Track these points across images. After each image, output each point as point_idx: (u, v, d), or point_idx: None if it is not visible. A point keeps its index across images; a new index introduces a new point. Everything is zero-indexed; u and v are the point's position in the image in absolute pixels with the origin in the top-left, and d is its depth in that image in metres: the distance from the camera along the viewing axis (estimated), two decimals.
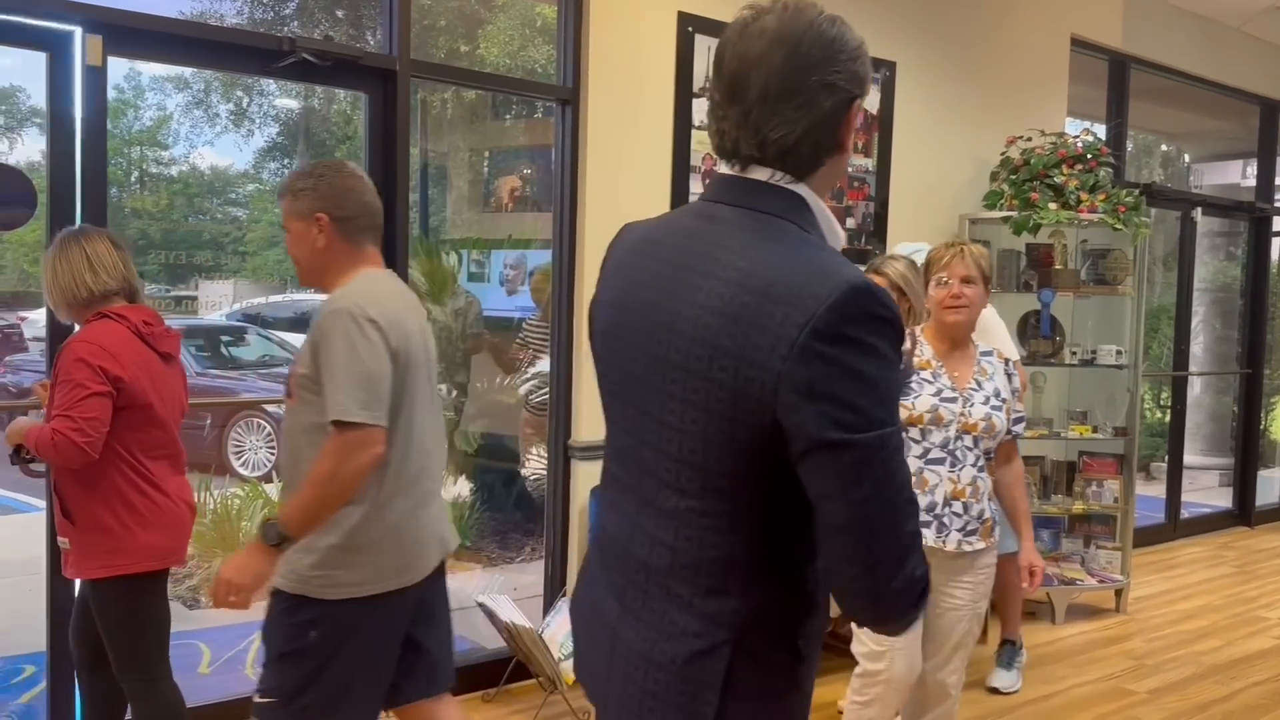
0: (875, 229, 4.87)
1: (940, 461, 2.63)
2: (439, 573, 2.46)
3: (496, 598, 3.72)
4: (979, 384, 2.70)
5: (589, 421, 3.95)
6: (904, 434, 2.36)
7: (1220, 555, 6.49)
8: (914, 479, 2.59)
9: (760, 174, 1.26)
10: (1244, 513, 7.31)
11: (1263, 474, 7.63)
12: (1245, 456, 7.33)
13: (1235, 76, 6.80)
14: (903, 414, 2.55)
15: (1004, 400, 2.70)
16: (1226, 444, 7.77)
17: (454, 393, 5.63)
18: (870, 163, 4.85)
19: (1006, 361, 2.78)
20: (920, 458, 2.63)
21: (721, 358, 1.19)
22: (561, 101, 3.90)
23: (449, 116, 6.55)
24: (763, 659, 1.27)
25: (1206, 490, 7.94)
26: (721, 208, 1.28)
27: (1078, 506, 5.08)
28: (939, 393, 2.66)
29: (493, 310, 5.65)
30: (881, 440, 1.14)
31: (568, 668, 3.52)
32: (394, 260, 3.51)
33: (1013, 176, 4.96)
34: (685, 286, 1.24)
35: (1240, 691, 4.10)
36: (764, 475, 1.22)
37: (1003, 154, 5.09)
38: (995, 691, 3.99)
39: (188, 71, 7.44)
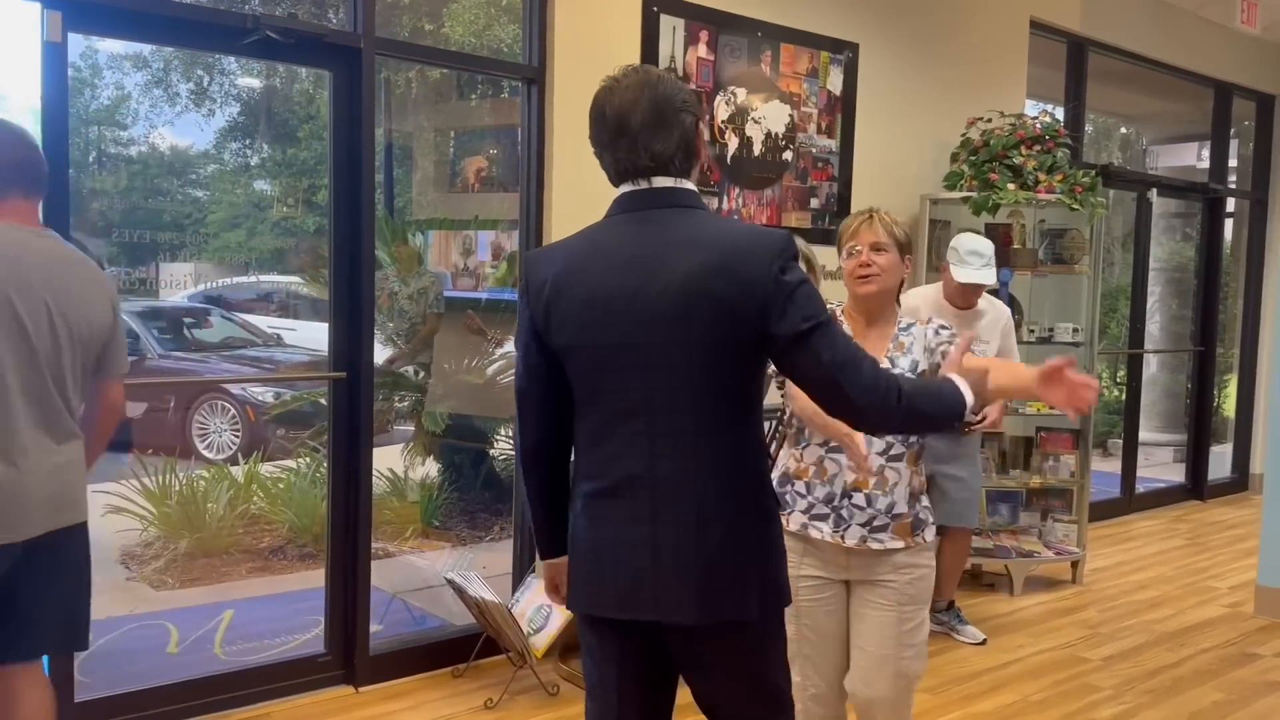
0: (838, 209, 4.93)
1: (841, 450, 2.36)
2: (61, 541, 2.40)
3: (466, 574, 3.76)
4: (893, 362, 2.43)
5: None
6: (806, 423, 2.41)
7: (1173, 528, 6.66)
8: (814, 468, 2.40)
9: (665, 182, 1.79)
10: (1197, 487, 7.50)
11: (1215, 449, 7.82)
12: (1198, 432, 7.51)
13: (1191, 60, 6.92)
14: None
15: (923, 371, 2.42)
16: (1181, 420, 7.94)
17: (420, 373, 5.64)
18: (834, 144, 4.90)
19: (940, 330, 2.47)
20: (821, 445, 2.39)
21: (716, 300, 1.70)
22: (527, 81, 3.92)
23: (414, 96, 6.52)
24: (761, 508, 1.83)
25: (1162, 466, 8.13)
26: (651, 211, 1.78)
27: (1035, 481, 5.19)
28: None
29: (456, 291, 5.66)
30: (826, 319, 1.73)
31: (537, 641, 3.58)
32: (359, 239, 3.52)
33: (972, 157, 5.04)
34: (665, 263, 1.72)
35: (1190, 658, 4.23)
36: (750, 382, 1.79)
37: (963, 135, 5.17)
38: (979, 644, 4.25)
39: (146, 49, 7.33)
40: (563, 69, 3.91)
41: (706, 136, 1.86)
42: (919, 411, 1.77)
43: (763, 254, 1.71)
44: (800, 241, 3.53)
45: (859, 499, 2.36)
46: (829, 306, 1.88)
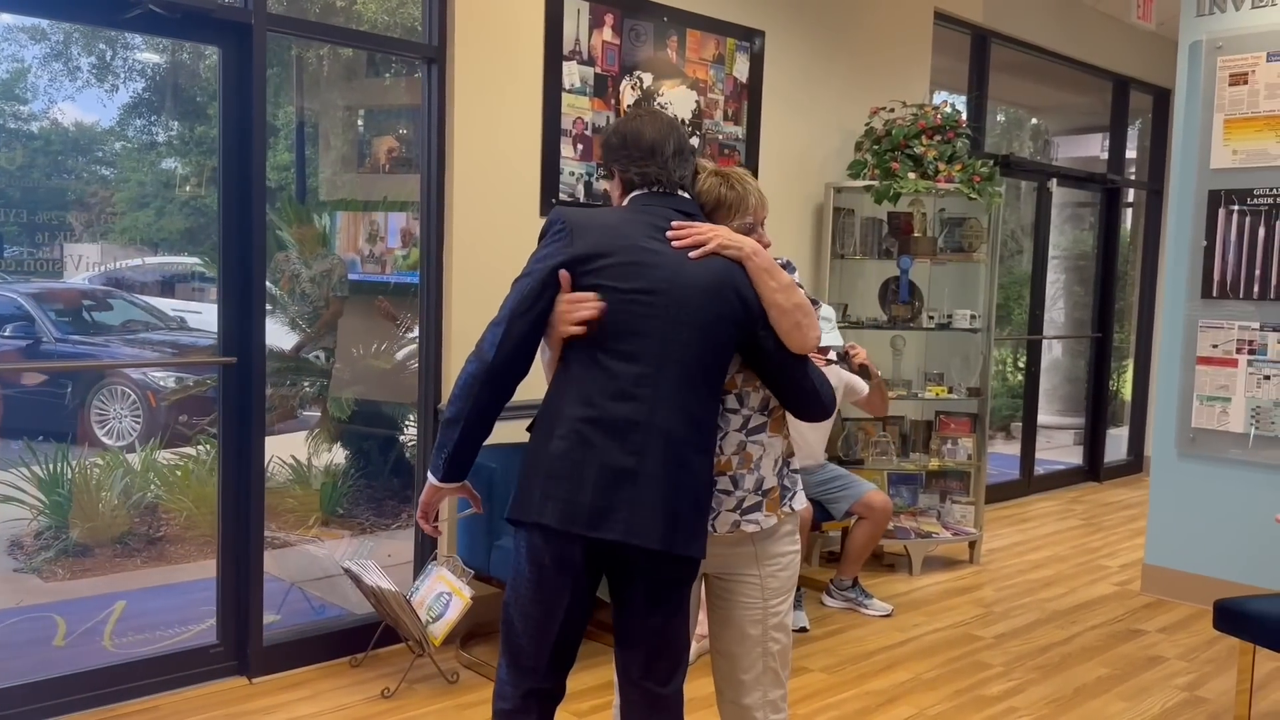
0: None
1: None
2: None
3: (363, 562, 3.72)
4: None
5: None
6: None
7: (1070, 509, 6.88)
8: None
9: (683, 195, 2.23)
10: (1093, 469, 7.75)
11: (1112, 432, 8.09)
12: (1095, 416, 7.76)
13: (1090, 53, 7.11)
14: None
15: None
16: (1082, 404, 8.20)
17: (325, 358, 5.54)
18: (740, 130, 4.93)
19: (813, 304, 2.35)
20: None
21: (734, 289, 2.09)
22: (427, 60, 3.86)
23: (326, 74, 6.38)
24: (712, 477, 2.18)
25: (1062, 449, 8.39)
26: (671, 211, 2.17)
27: (934, 463, 5.32)
28: None
29: (363, 275, 5.57)
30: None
31: (435, 630, 3.55)
32: (250, 219, 3.44)
33: (875, 146, 5.11)
34: (691, 265, 2.09)
35: (1079, 635, 4.38)
36: (728, 362, 2.15)
37: (867, 124, 5.24)
38: (804, 630, 4.23)
39: (45, 21, 7.06)
40: (464, 49, 3.86)
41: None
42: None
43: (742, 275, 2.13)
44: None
45: (723, 484, 2.19)
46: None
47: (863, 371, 3.91)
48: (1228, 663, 4.01)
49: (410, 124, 5.93)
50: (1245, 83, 4.65)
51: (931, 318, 5.21)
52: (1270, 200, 4.60)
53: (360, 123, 6.44)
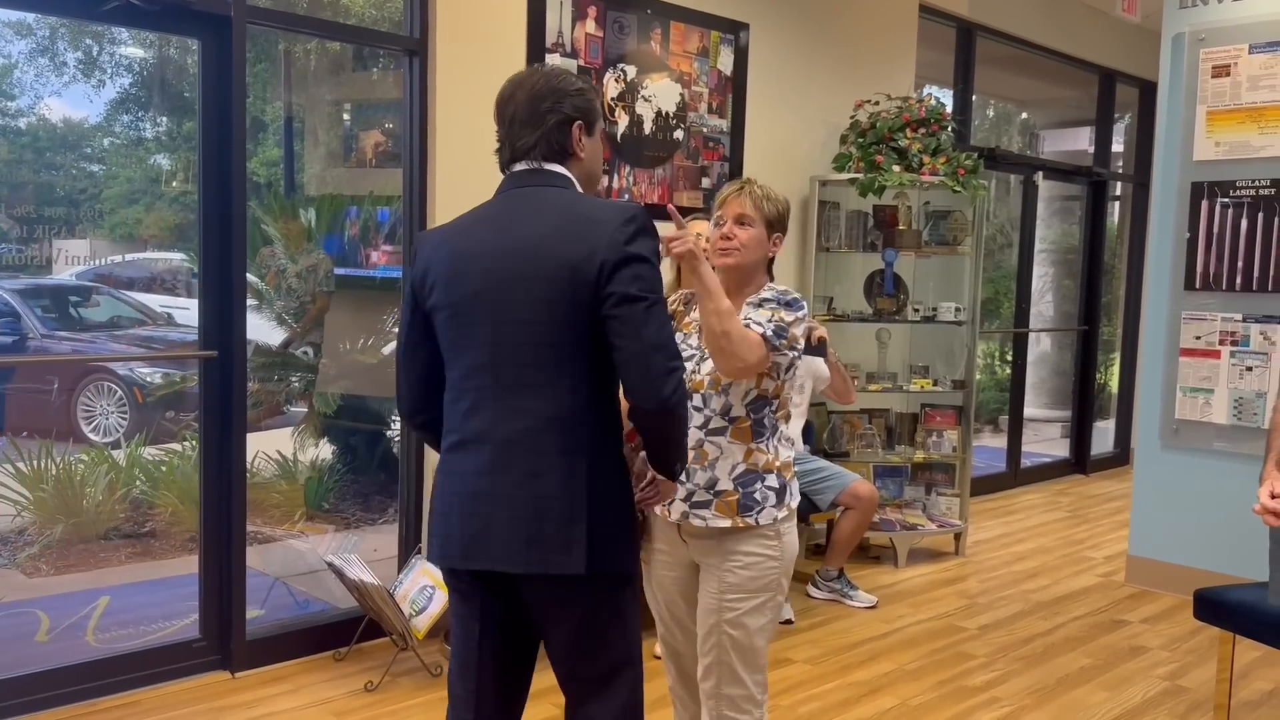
0: None
1: None
2: None
3: (346, 556, 3.71)
4: None
5: None
6: None
7: (1055, 501, 6.90)
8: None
9: (534, 164, 1.93)
10: (1080, 461, 7.78)
11: (1099, 425, 8.12)
12: (1081, 409, 7.78)
13: (1075, 46, 7.13)
14: None
15: None
16: (1070, 398, 8.22)
17: (309, 353, 5.53)
18: (725, 124, 4.93)
19: (779, 300, 2.31)
20: None
21: (561, 260, 1.81)
22: (409, 53, 3.85)
23: (312, 68, 6.36)
24: (604, 466, 1.88)
25: (1050, 441, 8.41)
26: (525, 189, 1.92)
27: (919, 456, 5.33)
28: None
29: (348, 270, 5.56)
30: (659, 299, 1.82)
31: (419, 623, 3.55)
32: (230, 212, 3.43)
33: (860, 139, 5.11)
34: (521, 226, 1.86)
35: (1062, 626, 4.40)
36: (593, 340, 1.83)
37: (851, 117, 5.24)
38: (789, 623, 4.25)
39: (30, 16, 7.03)
40: (445, 41, 3.86)
41: (581, 133, 1.94)
42: (676, 428, 1.88)
43: (610, 221, 1.82)
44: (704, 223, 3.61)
45: None
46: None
47: (820, 347, 4.01)
48: (1209, 652, 4.03)
49: (397, 118, 5.92)
50: (1227, 75, 4.67)
51: (916, 311, 5.22)
52: (1252, 192, 4.61)
53: (347, 117, 6.43)
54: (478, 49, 3.95)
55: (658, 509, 2.34)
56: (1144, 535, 5.01)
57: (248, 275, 5.20)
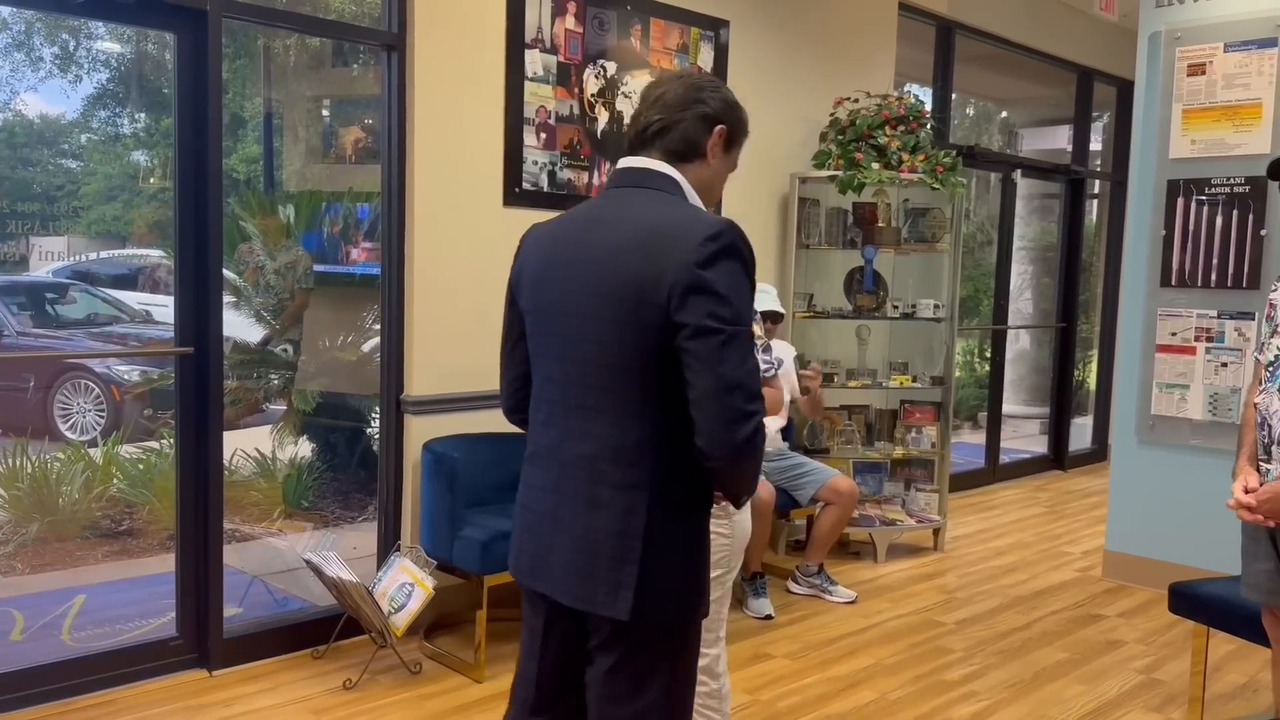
0: None
1: None
2: None
3: (325, 554, 3.70)
4: None
5: (421, 375, 3.94)
6: None
7: (1034, 496, 6.95)
8: None
9: (644, 162, 1.80)
10: (1058, 457, 7.83)
11: (1078, 421, 8.18)
12: (1059, 405, 7.83)
13: (1054, 45, 7.17)
14: None
15: None
16: (1048, 394, 8.28)
17: (288, 350, 5.51)
18: None
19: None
20: None
21: (631, 278, 1.66)
22: (388, 48, 3.83)
23: (292, 64, 6.33)
24: (669, 505, 1.71)
25: (1028, 437, 8.46)
26: (624, 190, 1.79)
27: (899, 452, 5.35)
28: None
29: (328, 267, 5.53)
30: (739, 331, 1.62)
31: (398, 620, 3.54)
32: (206, 208, 3.41)
33: (840, 137, 5.13)
34: (604, 234, 1.72)
35: (1039, 620, 4.43)
36: (663, 369, 1.66)
37: (831, 115, 5.26)
38: (769, 618, 4.28)
39: (6, 10, 6.95)
40: (424, 36, 3.84)
41: (720, 139, 1.81)
42: (748, 468, 1.69)
43: (687, 238, 1.64)
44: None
45: None
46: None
47: (807, 391, 4.45)
48: (1184, 646, 4.07)
49: (377, 114, 5.89)
50: (1203, 73, 4.71)
51: (896, 307, 5.24)
52: (1227, 190, 4.65)
53: (326, 113, 6.39)
54: (456, 44, 3.94)
55: None
56: (1120, 530, 5.05)
57: (227, 272, 5.18)
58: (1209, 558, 4.59)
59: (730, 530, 2.36)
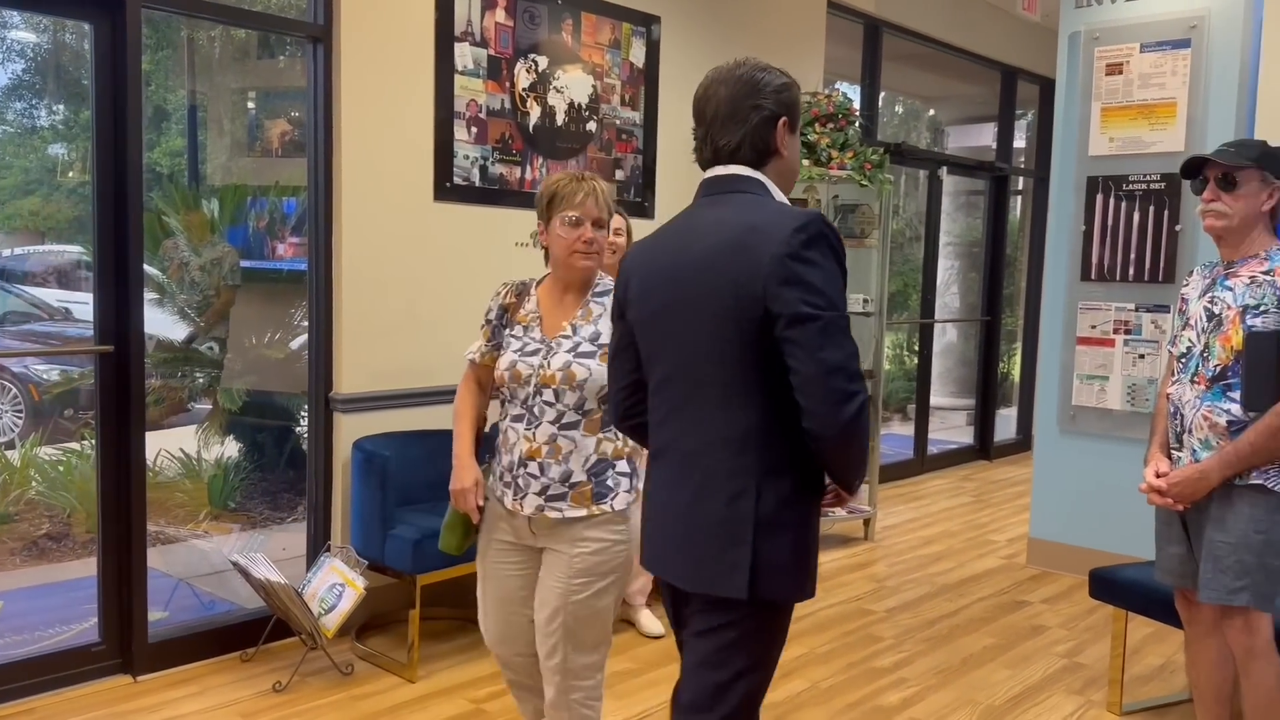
0: (645, 181, 4.99)
1: (519, 419, 2.38)
2: None
3: (252, 555, 3.63)
4: (574, 330, 2.40)
5: (351, 373, 3.89)
6: (503, 395, 2.40)
7: (961, 486, 7.10)
8: (503, 437, 2.42)
9: (729, 170, 1.87)
10: (984, 448, 8.01)
11: (1002, 412, 8.37)
12: (985, 397, 8.01)
13: (978, 44, 7.32)
14: (495, 376, 2.45)
15: (604, 344, 2.35)
16: (974, 386, 8.46)
17: (214, 348, 5.39)
18: (638, 116, 4.94)
19: None
20: (508, 416, 2.42)
21: (725, 276, 1.75)
22: (313, 39, 3.77)
23: (217, 56, 6.19)
24: (777, 491, 1.78)
25: (955, 429, 8.64)
26: (717, 196, 1.87)
27: None
28: (522, 348, 2.42)
29: (254, 263, 5.43)
30: (835, 317, 1.69)
31: (328, 621, 3.49)
32: (129, 204, 3.32)
33: None
34: (700, 240, 1.82)
35: (966, 607, 4.53)
36: (766, 360, 1.74)
37: None
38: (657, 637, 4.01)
39: None
40: (351, 29, 3.79)
41: (785, 129, 1.87)
42: (856, 449, 1.74)
43: (777, 233, 1.72)
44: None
45: (532, 468, 2.34)
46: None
47: None
48: (1105, 629, 4.19)
49: (304, 106, 5.79)
50: (1121, 72, 4.84)
51: None
52: (1144, 186, 4.80)
53: (252, 106, 6.27)
54: (384, 37, 3.89)
55: (508, 503, 2.39)
56: (1044, 518, 5.18)
57: (150, 269, 5.06)
58: (1128, 544, 4.73)
59: (627, 535, 2.39)
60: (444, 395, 3.82)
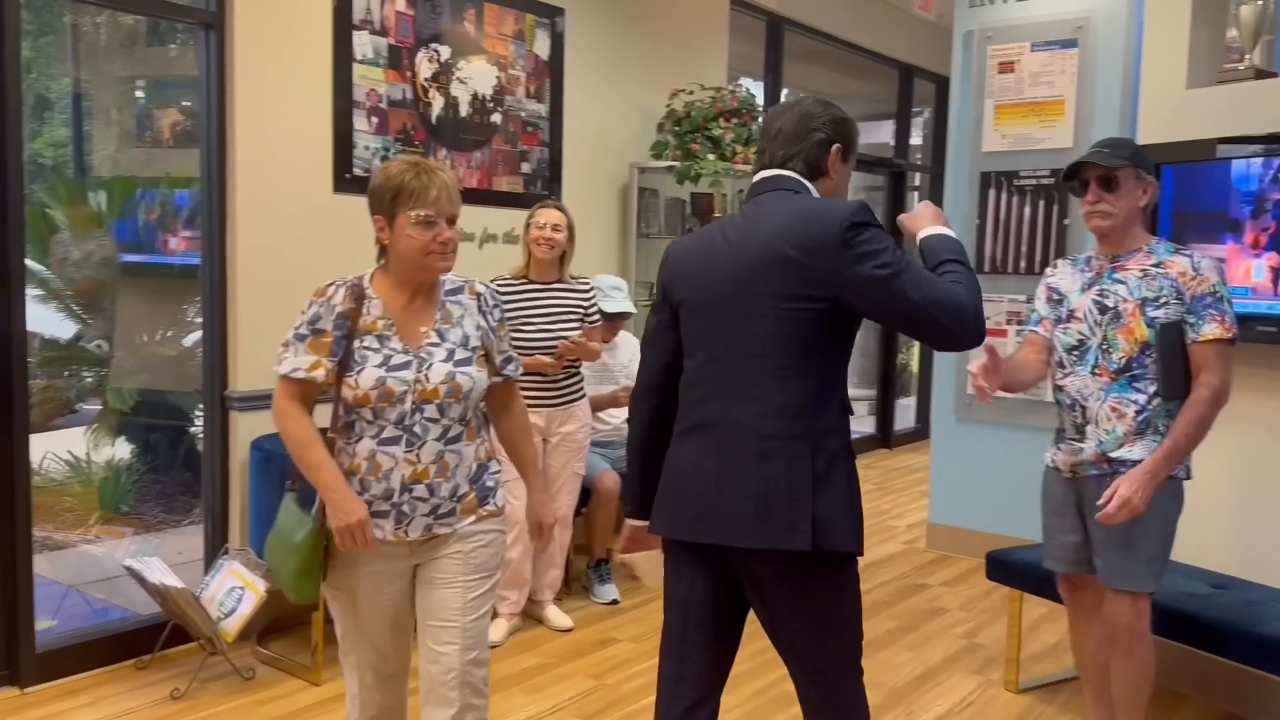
0: (551, 174, 4.96)
1: (395, 441, 2.16)
2: None
3: (146, 560, 3.51)
4: (441, 336, 2.23)
5: (248, 370, 3.78)
6: (355, 415, 2.19)
7: (863, 474, 7.15)
8: (367, 463, 2.17)
9: (778, 171, 2.08)
10: (885, 436, 8.20)
11: (901, 402, 8.58)
12: (885, 387, 8.20)
13: (877, 42, 7.47)
14: (348, 394, 2.17)
15: (476, 347, 2.26)
16: (875, 377, 8.64)
17: (103, 346, 5.18)
18: (543, 108, 4.91)
19: (481, 296, 2.32)
20: (374, 439, 2.16)
21: (789, 259, 1.93)
22: (205, 26, 3.65)
23: (103, 43, 5.94)
24: (828, 451, 1.95)
25: (858, 418, 8.81)
26: (765, 195, 2.07)
27: None
28: (386, 361, 2.18)
29: (145, 257, 5.23)
30: (906, 265, 1.89)
31: (228, 626, 3.39)
32: (8, 199, 3.17)
33: (676, 128, 5.20)
34: (758, 227, 1.99)
35: (869, 591, 4.63)
36: (822, 334, 1.95)
37: (667, 106, 5.32)
38: (615, 603, 4.34)
39: None
40: (245, 15, 3.68)
41: (838, 156, 2.10)
42: (974, 292, 1.92)
43: (835, 215, 1.92)
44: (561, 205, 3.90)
45: (420, 491, 2.18)
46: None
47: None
48: (1002, 611, 4.33)
49: (195, 95, 5.61)
50: (1013, 71, 5.00)
51: None
52: (1034, 181, 4.96)
53: (141, 94, 6.03)
54: (280, 24, 3.79)
55: (387, 533, 2.20)
56: (942, 503, 5.33)
57: (34, 264, 4.82)
58: (1023, 527, 4.89)
59: (505, 525, 2.35)
60: None
